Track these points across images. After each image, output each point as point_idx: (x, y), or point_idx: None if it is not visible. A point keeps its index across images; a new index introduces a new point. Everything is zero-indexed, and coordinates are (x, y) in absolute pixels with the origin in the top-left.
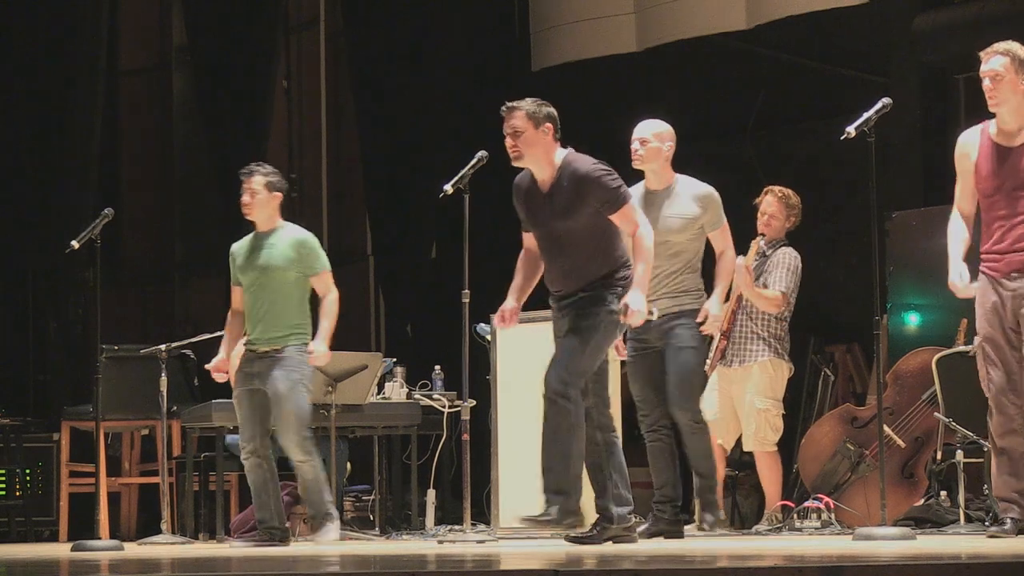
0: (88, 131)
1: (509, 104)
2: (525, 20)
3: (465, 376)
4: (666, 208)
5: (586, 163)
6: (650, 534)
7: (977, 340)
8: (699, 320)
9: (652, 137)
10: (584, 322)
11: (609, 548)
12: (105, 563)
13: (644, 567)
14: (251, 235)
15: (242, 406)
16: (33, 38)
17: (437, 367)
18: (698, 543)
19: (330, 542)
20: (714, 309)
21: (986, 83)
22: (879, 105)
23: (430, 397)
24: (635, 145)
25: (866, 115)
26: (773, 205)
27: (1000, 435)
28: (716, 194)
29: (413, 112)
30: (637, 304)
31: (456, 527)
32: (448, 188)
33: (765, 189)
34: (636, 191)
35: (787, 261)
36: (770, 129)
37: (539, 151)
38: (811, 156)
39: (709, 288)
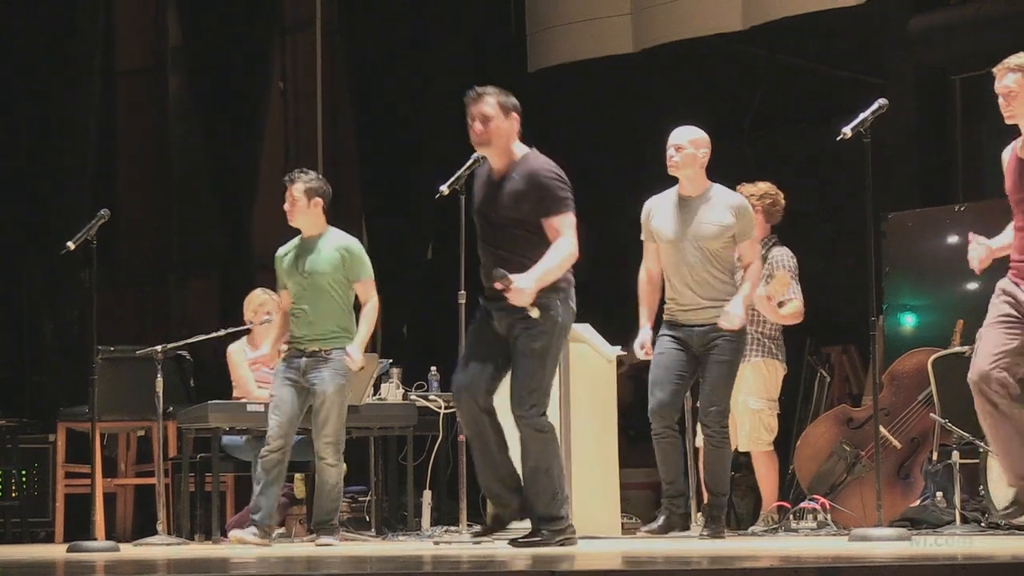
0: (84, 132)
1: (478, 90)
2: (521, 21)
3: None
4: (702, 214)
5: (543, 163)
6: (665, 529)
7: (984, 330)
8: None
9: (688, 144)
10: (535, 343)
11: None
12: (101, 564)
13: (642, 567)
14: (297, 239)
15: (284, 402)
16: (32, 38)
17: (433, 368)
18: (696, 543)
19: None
20: (737, 309)
21: (1000, 100)
22: (875, 106)
23: (426, 398)
24: (671, 152)
25: (862, 116)
26: None
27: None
28: (749, 206)
29: (409, 113)
30: (523, 284)
31: (452, 528)
32: (444, 189)
33: None
34: (668, 197)
35: (785, 264)
36: (767, 130)
37: (506, 140)
38: (808, 157)
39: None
